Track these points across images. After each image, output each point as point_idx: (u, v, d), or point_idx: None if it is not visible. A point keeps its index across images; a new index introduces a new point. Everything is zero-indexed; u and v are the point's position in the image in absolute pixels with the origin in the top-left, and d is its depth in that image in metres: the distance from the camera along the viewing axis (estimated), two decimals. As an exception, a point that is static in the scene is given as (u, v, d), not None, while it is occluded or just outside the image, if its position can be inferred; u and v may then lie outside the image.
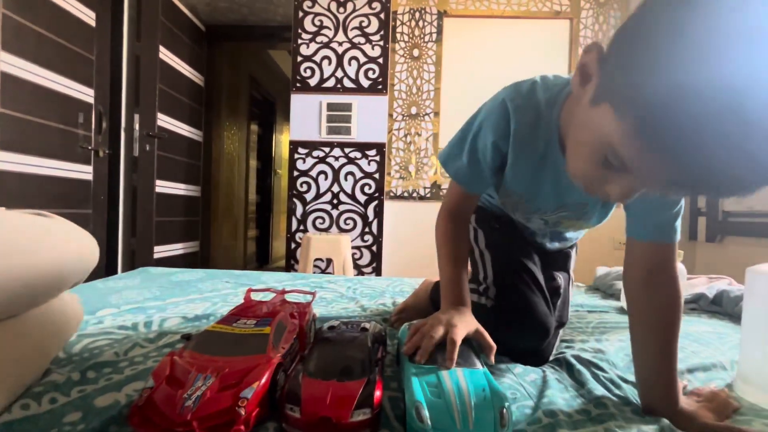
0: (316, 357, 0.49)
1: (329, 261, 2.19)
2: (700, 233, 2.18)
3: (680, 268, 0.87)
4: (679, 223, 0.50)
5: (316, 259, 2.16)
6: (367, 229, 2.26)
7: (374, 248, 2.26)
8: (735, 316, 0.90)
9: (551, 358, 0.62)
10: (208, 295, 0.90)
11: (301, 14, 2.26)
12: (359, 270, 2.26)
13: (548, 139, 0.51)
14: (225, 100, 3.11)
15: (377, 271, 2.26)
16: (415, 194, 2.31)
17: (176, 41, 2.30)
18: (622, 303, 0.95)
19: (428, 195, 2.31)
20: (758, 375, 0.52)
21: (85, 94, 1.73)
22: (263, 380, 0.42)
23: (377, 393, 0.43)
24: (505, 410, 0.40)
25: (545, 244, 0.73)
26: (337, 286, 1.06)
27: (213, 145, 2.92)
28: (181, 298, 0.87)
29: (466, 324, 0.53)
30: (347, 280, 1.14)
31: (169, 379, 0.42)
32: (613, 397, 0.51)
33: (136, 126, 1.98)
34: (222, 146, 3.09)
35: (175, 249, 2.43)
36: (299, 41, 2.27)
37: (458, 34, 2.30)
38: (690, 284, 1.03)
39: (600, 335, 0.75)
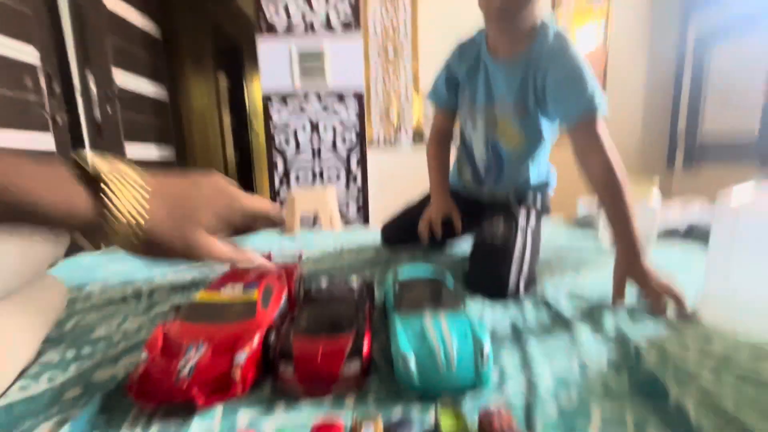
0: (306, 315, 0.51)
1: (315, 216, 2.19)
2: (678, 159, 2.22)
3: (654, 198, 0.90)
4: (592, 95, 0.63)
5: (304, 215, 2.16)
6: (351, 180, 2.24)
7: (360, 199, 2.26)
8: (704, 240, 0.94)
9: (514, 287, 0.67)
10: (195, 264, 0.90)
11: (258, -55, 2.02)
12: (347, 222, 2.28)
13: (479, 47, 0.78)
14: (187, 51, 2.88)
15: (365, 221, 2.28)
16: (397, 140, 2.26)
17: (120, -15, 2.05)
18: (601, 238, 0.99)
19: (411, 141, 2.27)
20: (720, 298, 0.57)
21: (27, 53, 1.57)
22: (255, 343, 0.44)
23: (366, 344, 0.45)
24: (485, 350, 0.43)
25: (494, 190, 0.87)
26: (323, 242, 1.07)
27: (181, 102, 2.75)
28: (168, 268, 0.87)
29: (442, 207, 0.85)
30: (333, 235, 1.15)
31: (163, 351, 0.43)
32: (581, 320, 0.55)
33: (92, 86, 1.83)
34: (190, 103, 2.91)
35: (148, 150, 2.36)
36: (260, -22, 2.05)
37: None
38: (665, 212, 1.07)
39: (575, 273, 0.78)
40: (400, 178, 2.27)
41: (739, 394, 0.41)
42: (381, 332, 0.55)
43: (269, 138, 2.18)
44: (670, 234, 1.03)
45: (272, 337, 0.47)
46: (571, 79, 0.65)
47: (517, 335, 0.54)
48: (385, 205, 2.28)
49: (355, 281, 0.60)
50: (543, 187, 0.86)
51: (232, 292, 0.53)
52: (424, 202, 0.91)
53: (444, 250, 0.95)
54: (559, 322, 0.58)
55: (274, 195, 2.24)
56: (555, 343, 0.51)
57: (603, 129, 0.63)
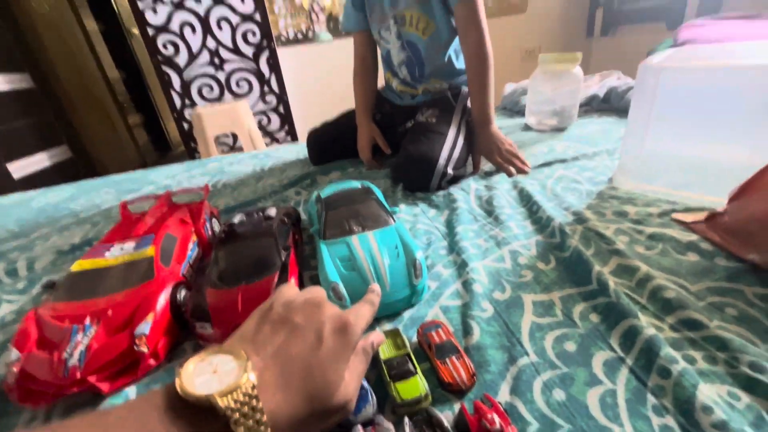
0: (219, 263, 0.44)
1: (235, 136, 1.96)
2: (596, 27, 2.21)
3: (576, 71, 0.88)
4: None
5: (220, 137, 1.92)
6: (266, 89, 1.97)
7: (281, 109, 2.03)
8: (621, 111, 0.97)
9: (437, 181, 0.67)
10: (85, 216, 0.76)
11: None
12: (271, 137, 2.08)
13: None
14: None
15: (291, 134, 2.09)
16: (311, 33, 1.96)
17: None
18: (527, 119, 0.98)
19: (326, 32, 1.97)
20: (634, 164, 0.59)
21: None
22: (159, 308, 0.37)
23: (292, 281, 0.41)
24: (417, 261, 0.41)
25: (427, 87, 0.84)
26: (241, 167, 0.95)
27: (16, 12, 2.07)
28: (50, 227, 0.72)
29: (364, 133, 0.85)
30: (252, 157, 1.02)
31: (39, 343, 0.35)
32: (520, 216, 0.55)
33: None
34: (28, 6, 2.21)
35: (40, 162, 1.99)
36: None
37: None
38: (585, 85, 1.07)
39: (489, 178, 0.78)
40: (322, 77, 2.03)
41: (648, 254, 0.44)
42: (311, 257, 0.51)
43: (150, 45, 1.77)
44: (589, 102, 1.04)
45: (181, 295, 0.41)
46: None
47: (452, 234, 0.53)
48: (310, 114, 2.07)
49: (274, 210, 0.53)
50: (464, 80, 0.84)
51: (120, 253, 0.44)
52: (351, 115, 0.89)
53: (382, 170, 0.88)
54: (490, 211, 0.57)
55: (178, 118, 1.92)
56: (487, 238, 0.51)
57: (481, 8, 0.70)
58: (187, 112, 1.92)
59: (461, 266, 0.45)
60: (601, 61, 2.18)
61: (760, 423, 0.26)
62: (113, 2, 3.21)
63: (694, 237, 0.45)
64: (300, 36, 1.95)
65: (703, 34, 0.99)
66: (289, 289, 0.29)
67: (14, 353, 0.34)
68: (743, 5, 1.42)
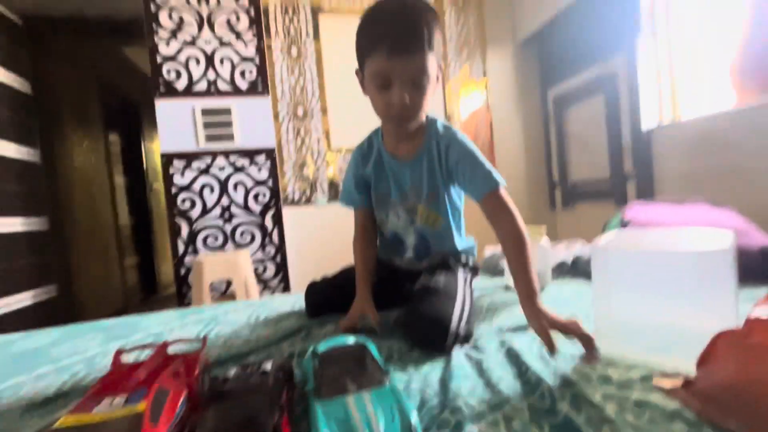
0: (208, 422, 0.43)
1: (228, 283, 2.01)
2: (557, 202, 2.60)
3: (544, 242, 1.02)
4: (490, 173, 0.75)
5: (215, 284, 1.96)
6: (267, 240, 2.13)
7: (278, 259, 2.15)
8: (590, 275, 1.08)
9: (451, 341, 0.66)
10: (66, 364, 0.73)
11: (153, 8, 1.97)
12: (265, 285, 2.13)
13: (379, 147, 0.86)
14: (67, 109, 2.57)
15: (284, 283, 2.16)
16: (313, 197, 2.25)
17: (-22, 38, 1.80)
18: (506, 280, 1.07)
19: (327, 197, 2.28)
20: (608, 329, 0.64)
21: None
22: (139, 476, 0.35)
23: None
24: (413, 425, 0.41)
25: (419, 263, 0.89)
26: (235, 316, 0.96)
27: (57, 164, 2.39)
28: (26, 375, 0.68)
29: (358, 305, 0.81)
30: (247, 306, 1.05)
31: None
32: (510, 377, 0.56)
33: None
34: (71, 164, 2.56)
35: (22, 300, 1.95)
36: (156, 39, 1.98)
37: (335, 31, 2.29)
38: (554, 251, 1.22)
39: (492, 318, 0.83)
40: (319, 235, 2.23)
41: (637, 424, 0.45)
42: (302, 420, 0.49)
43: (170, 200, 2.00)
44: (559, 267, 1.16)
45: (164, 460, 0.39)
46: (469, 163, 0.76)
47: (445, 392, 0.53)
48: (305, 267, 2.20)
49: (269, 365, 0.54)
50: (470, 250, 0.92)
51: (109, 409, 0.43)
52: (350, 271, 0.90)
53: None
54: (481, 370, 0.59)
55: (178, 263, 2.01)
56: (479, 402, 0.51)
57: (506, 194, 0.74)
58: (187, 259, 2.01)
59: (455, 428, 0.45)
60: (567, 229, 2.49)
61: None
62: (144, 162, 3.73)
63: (678, 404, 0.47)
64: (304, 198, 2.24)
65: (643, 213, 1.19)
66: None
67: None
68: (672, 189, 1.75)
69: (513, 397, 0.52)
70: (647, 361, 0.58)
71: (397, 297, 0.89)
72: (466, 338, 0.68)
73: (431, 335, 0.66)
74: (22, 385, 0.65)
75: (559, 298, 0.91)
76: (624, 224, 1.18)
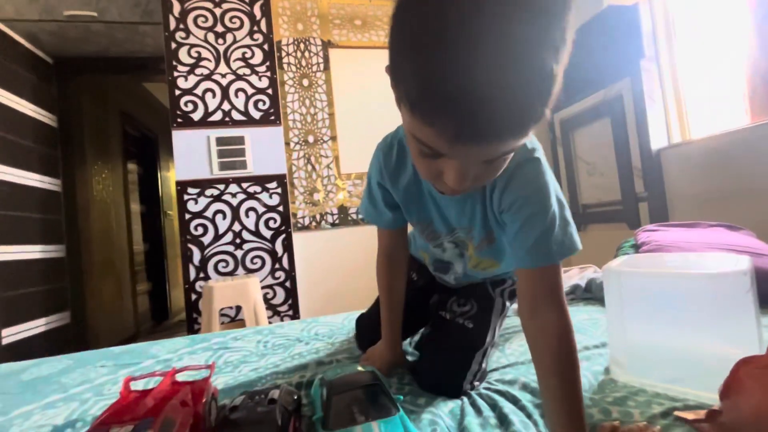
0: (215, 453, 0.42)
1: (238, 308, 2.01)
2: (570, 224, 2.57)
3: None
4: (555, 242, 0.48)
5: (223, 308, 1.96)
6: (277, 265, 2.14)
7: (288, 284, 2.15)
8: (603, 300, 1.06)
9: (468, 386, 0.62)
10: (75, 392, 0.73)
11: (174, 45, 2.09)
12: (274, 311, 2.12)
13: (413, 166, 0.56)
14: (90, 140, 2.69)
15: (294, 309, 2.14)
16: (323, 221, 2.27)
17: (13, 77, 1.92)
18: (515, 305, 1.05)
19: (337, 221, 2.29)
20: (624, 357, 0.62)
21: None
22: None
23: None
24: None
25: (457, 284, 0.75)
26: (244, 343, 0.96)
27: (77, 193, 2.48)
28: (35, 404, 0.69)
29: (388, 357, 0.69)
30: (256, 333, 1.04)
31: None
32: (523, 418, 0.54)
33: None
34: (90, 193, 2.64)
35: (35, 326, 1.98)
36: (175, 74, 2.08)
37: (345, 63, 2.38)
38: (567, 276, 1.19)
39: (504, 344, 0.80)
40: (328, 259, 2.23)
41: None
42: (310, 453, 0.48)
43: (183, 226, 2.03)
44: (572, 292, 1.14)
45: (169, 493, 0.38)
46: (538, 221, 0.48)
47: (459, 427, 0.51)
48: (314, 293, 2.19)
49: (277, 393, 0.53)
50: (513, 272, 0.75)
51: (116, 438, 0.43)
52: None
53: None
54: (494, 405, 0.57)
55: (189, 288, 2.02)
56: (493, 433, 0.49)
57: (561, 276, 0.49)
58: (198, 285, 2.02)
59: (467, 466, 0.43)
60: (580, 253, 2.44)
61: None
62: (159, 190, 3.84)
63: (702, 439, 0.45)
64: (314, 223, 2.26)
65: (656, 237, 1.17)
66: None
67: None
68: (683, 215, 1.71)
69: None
70: (667, 391, 0.56)
71: (425, 303, 0.77)
72: (480, 377, 0.64)
73: (444, 390, 0.61)
74: (31, 413, 0.65)
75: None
76: (637, 247, 1.16)
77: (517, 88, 0.30)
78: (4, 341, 1.76)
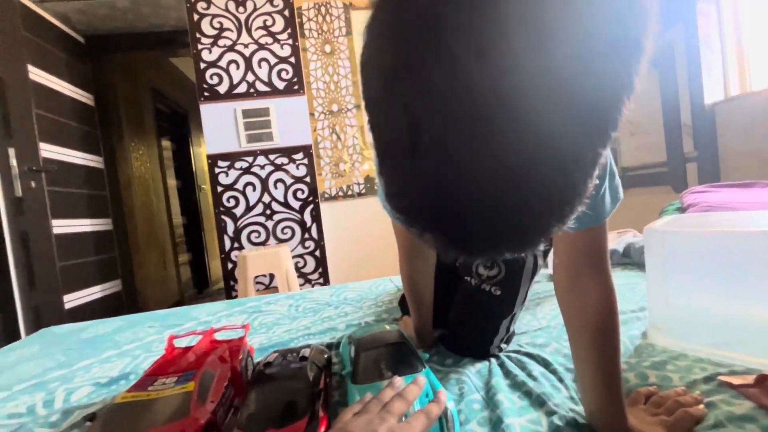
0: (251, 404, 0.45)
1: (272, 276, 2.09)
2: (607, 189, 2.43)
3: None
4: (608, 200, 0.41)
5: (258, 276, 2.05)
6: (306, 235, 2.19)
7: (317, 253, 2.20)
8: (642, 265, 1.00)
9: (495, 350, 0.62)
10: (127, 349, 0.80)
11: (196, 17, 2.08)
12: (305, 279, 2.19)
13: None
14: (126, 118, 2.79)
15: (324, 277, 2.21)
16: (350, 191, 2.28)
17: (49, 57, 2.00)
18: (550, 269, 1.02)
19: (363, 191, 2.29)
20: (665, 321, 0.59)
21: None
22: (189, 450, 0.37)
23: (321, 430, 0.40)
24: (449, 412, 0.40)
25: None
26: (277, 307, 1.00)
27: (119, 169, 2.61)
28: (94, 358, 0.76)
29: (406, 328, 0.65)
30: (288, 297, 1.08)
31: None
32: (555, 382, 0.53)
33: (13, 162, 1.69)
34: (131, 169, 2.78)
35: (92, 293, 2.16)
36: (200, 46, 2.09)
37: (367, 26, 2.29)
38: (604, 241, 1.14)
39: (535, 308, 0.79)
40: (356, 229, 2.26)
41: (702, 428, 0.40)
42: (340, 404, 0.50)
43: (216, 199, 2.11)
44: (611, 254, 1.09)
45: (211, 437, 0.41)
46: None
47: (486, 387, 0.51)
48: (343, 261, 2.24)
49: (308, 351, 0.55)
50: None
51: (162, 387, 0.46)
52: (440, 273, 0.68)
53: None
54: (523, 366, 0.56)
55: (225, 258, 2.12)
56: (522, 395, 0.49)
57: (607, 240, 0.42)
58: (233, 254, 2.12)
59: (496, 424, 0.43)
60: (618, 218, 2.32)
61: None
62: (193, 165, 3.97)
63: (748, 406, 0.42)
64: (341, 193, 2.27)
65: (705, 198, 1.09)
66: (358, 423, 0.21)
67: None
68: (738, 176, 1.57)
69: (555, 394, 0.49)
70: (711, 357, 0.53)
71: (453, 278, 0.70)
72: (508, 339, 0.63)
73: (471, 353, 0.61)
74: (91, 366, 0.72)
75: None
76: (683, 210, 1.08)
77: (524, 211, 0.20)
78: (67, 306, 1.94)
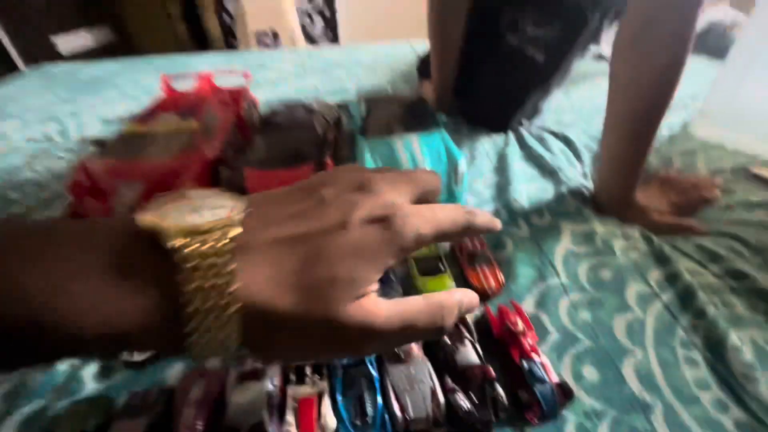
0: (259, 146, 0.44)
1: (275, 36, 1.86)
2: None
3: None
4: None
5: (260, 35, 1.83)
6: (313, -14, 1.81)
7: (326, 11, 1.88)
8: (715, 52, 0.84)
9: (515, 124, 0.57)
10: (129, 92, 0.76)
11: None
12: (312, 41, 1.96)
13: None
14: None
15: (334, 40, 1.97)
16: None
17: None
18: (601, 49, 0.86)
19: None
20: (720, 108, 0.52)
21: None
22: (200, 179, 0.38)
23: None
24: (459, 168, 0.39)
25: None
26: (282, 63, 0.90)
27: None
28: (97, 98, 0.73)
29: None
30: (295, 54, 0.97)
31: (91, 192, 0.37)
32: (571, 157, 0.51)
33: None
34: None
35: (85, 39, 1.98)
36: None
37: None
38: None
39: (569, 86, 0.70)
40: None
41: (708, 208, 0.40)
42: (349, 160, 0.50)
43: None
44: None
45: (222, 173, 0.41)
46: None
47: (499, 156, 0.50)
48: (357, 16, 1.91)
49: (316, 104, 0.51)
50: None
51: (166, 123, 0.44)
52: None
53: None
54: (542, 139, 0.53)
55: (220, 9, 1.82)
56: (534, 165, 0.48)
57: None
58: (230, 6, 1.81)
59: (503, 187, 0.44)
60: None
61: (791, 371, 0.25)
62: None
63: (766, 195, 0.41)
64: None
65: None
66: (352, 168, 0.19)
67: (70, 198, 0.36)
68: None
69: (570, 167, 0.48)
70: (749, 148, 0.49)
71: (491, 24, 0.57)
72: (533, 114, 0.58)
73: (489, 123, 0.56)
74: (96, 106, 0.70)
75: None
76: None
77: None
78: (62, 50, 1.82)
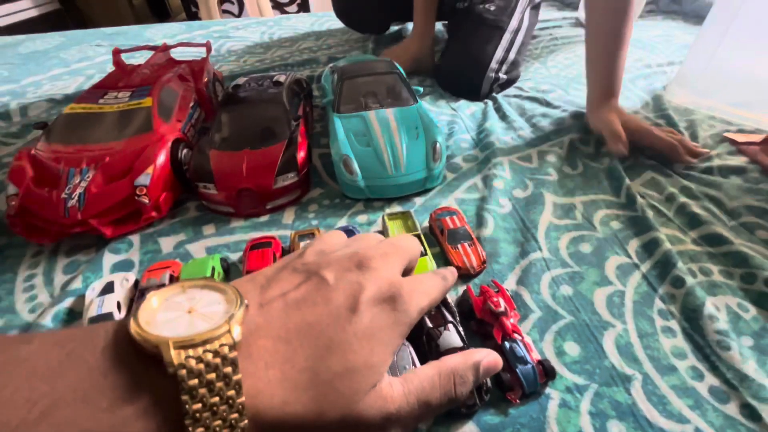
0: (223, 124, 0.41)
1: (241, 4, 1.73)
2: None
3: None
4: None
5: (224, 2, 1.70)
6: (278, -54, 1.68)
7: (294, -25, 1.76)
8: (691, 15, 0.84)
9: (489, 88, 0.56)
10: (77, 67, 0.69)
11: None
12: (281, 10, 1.85)
13: None
14: None
15: (304, 8, 1.85)
16: None
17: None
18: (579, 12, 0.84)
19: None
20: (695, 75, 0.51)
21: None
22: (159, 162, 0.35)
23: (301, 154, 0.38)
24: (437, 144, 0.38)
25: None
26: (247, 33, 0.84)
27: None
28: (42, 75, 0.66)
29: (410, 56, 0.61)
30: (260, 23, 0.90)
31: (35, 181, 0.33)
32: (553, 114, 0.50)
33: None
34: None
35: (25, 8, 1.80)
36: None
37: None
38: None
39: (546, 56, 0.68)
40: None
41: (686, 172, 0.40)
42: (322, 136, 0.48)
43: None
44: (653, 2, 0.89)
45: (183, 153, 0.38)
46: None
47: (478, 129, 0.49)
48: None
49: (283, 77, 0.48)
50: None
51: (115, 101, 0.40)
52: None
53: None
54: (523, 110, 0.52)
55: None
56: (515, 137, 0.47)
57: None
58: (186, -33, 1.66)
59: (484, 161, 0.42)
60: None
61: (763, 333, 0.26)
62: None
63: (741, 161, 0.41)
64: None
65: None
66: (334, 236, 0.20)
67: (12, 188, 0.33)
68: None
69: (552, 134, 0.47)
70: (725, 114, 0.49)
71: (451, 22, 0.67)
72: (509, 82, 0.58)
73: (465, 79, 0.56)
74: (40, 83, 0.64)
75: (638, 40, 0.73)
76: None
77: None
78: (1, 23, 1.65)
